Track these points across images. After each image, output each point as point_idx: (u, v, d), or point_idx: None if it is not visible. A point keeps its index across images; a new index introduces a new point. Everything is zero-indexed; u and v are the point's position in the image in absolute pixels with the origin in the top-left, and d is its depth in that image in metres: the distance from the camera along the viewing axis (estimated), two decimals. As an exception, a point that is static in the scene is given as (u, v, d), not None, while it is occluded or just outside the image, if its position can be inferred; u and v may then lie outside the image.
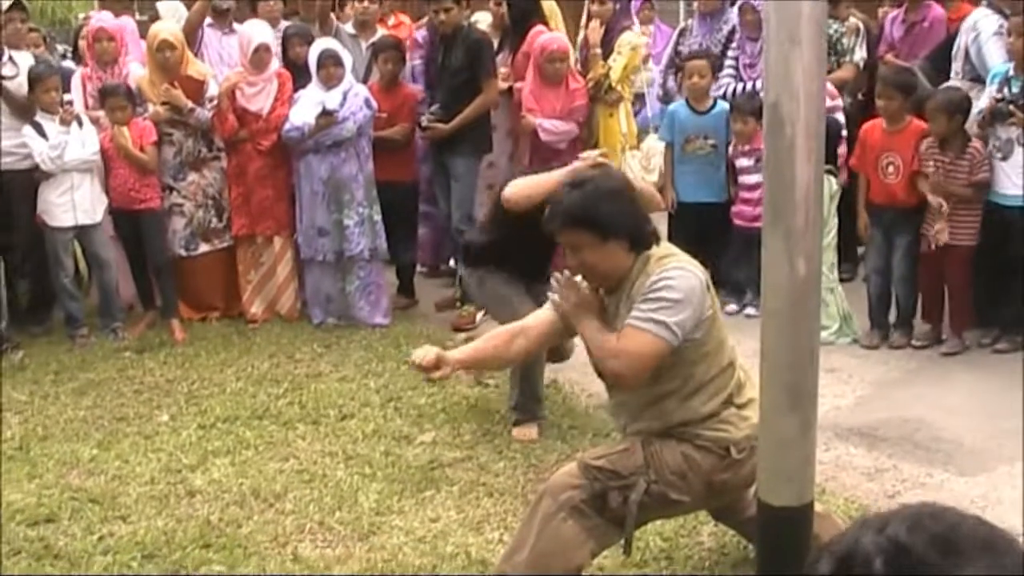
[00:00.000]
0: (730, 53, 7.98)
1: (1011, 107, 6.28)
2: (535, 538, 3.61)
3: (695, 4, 8.79)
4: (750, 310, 7.07)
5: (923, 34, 7.88)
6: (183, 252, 7.73)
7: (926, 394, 5.93)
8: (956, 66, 7.00)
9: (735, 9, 8.36)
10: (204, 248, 7.77)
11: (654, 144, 7.97)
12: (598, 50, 7.85)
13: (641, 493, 3.56)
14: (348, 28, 8.43)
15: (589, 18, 8.04)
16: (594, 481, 3.60)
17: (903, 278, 6.72)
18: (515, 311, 4.98)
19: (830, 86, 7.04)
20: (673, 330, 3.45)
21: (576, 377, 6.37)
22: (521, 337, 3.97)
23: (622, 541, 3.70)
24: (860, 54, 7.91)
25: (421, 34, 8.27)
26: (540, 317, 3.97)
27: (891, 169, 6.67)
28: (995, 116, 6.38)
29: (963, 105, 6.47)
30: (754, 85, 7.56)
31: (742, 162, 7.25)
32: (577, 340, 4.22)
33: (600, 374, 3.75)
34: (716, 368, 3.60)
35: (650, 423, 3.66)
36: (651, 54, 9.52)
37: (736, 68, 7.88)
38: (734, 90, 7.75)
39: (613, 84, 7.84)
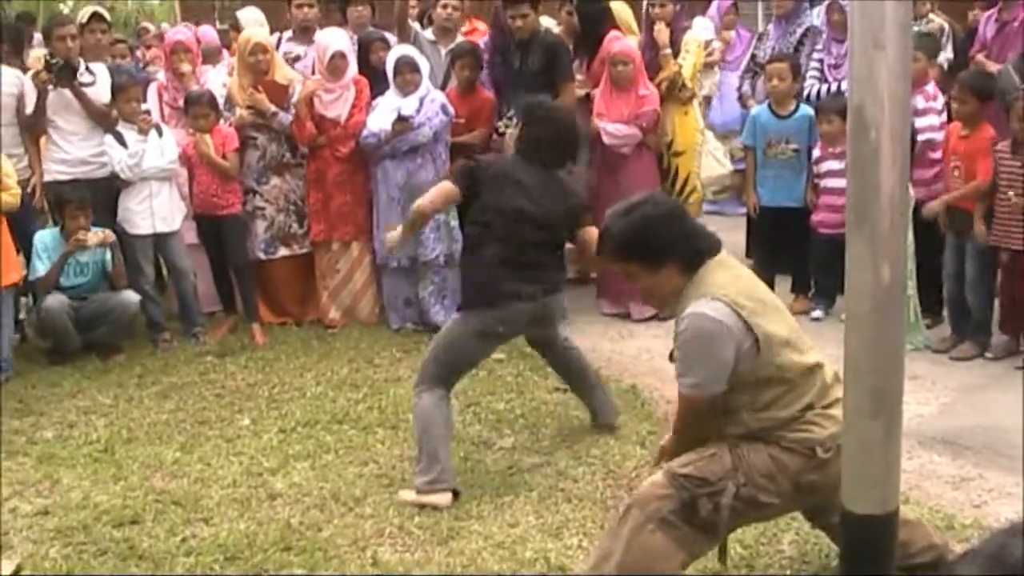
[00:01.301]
0: (815, 55, 7.96)
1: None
2: (624, 551, 3.60)
3: (772, 8, 8.74)
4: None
5: (1013, 34, 7.75)
6: (262, 255, 7.83)
7: (1011, 402, 5.81)
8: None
9: (812, 12, 8.33)
10: (283, 252, 7.87)
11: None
12: (668, 50, 7.85)
13: (732, 497, 3.53)
14: (428, 34, 8.47)
15: (651, 22, 8.02)
16: (682, 490, 3.58)
17: (974, 284, 6.59)
18: None
19: (930, 88, 6.98)
20: (701, 385, 3.54)
21: (654, 383, 6.37)
22: None
23: (717, 549, 3.68)
24: (945, 55, 7.80)
25: (483, 41, 8.28)
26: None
27: (956, 173, 6.58)
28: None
29: None
30: (839, 86, 7.50)
31: (831, 164, 7.16)
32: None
33: None
34: (788, 383, 3.55)
35: (731, 429, 3.64)
36: (722, 59, 9.52)
37: (821, 70, 7.82)
38: (819, 92, 7.69)
39: (686, 82, 7.84)
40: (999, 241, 6.39)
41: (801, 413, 3.55)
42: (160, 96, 8.00)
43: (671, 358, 3.72)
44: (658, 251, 3.61)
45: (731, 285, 3.55)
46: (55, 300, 7.04)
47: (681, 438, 3.80)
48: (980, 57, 7.77)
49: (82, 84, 7.42)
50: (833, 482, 3.51)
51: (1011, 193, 6.26)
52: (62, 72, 7.29)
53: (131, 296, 7.28)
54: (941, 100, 7.09)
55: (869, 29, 2.68)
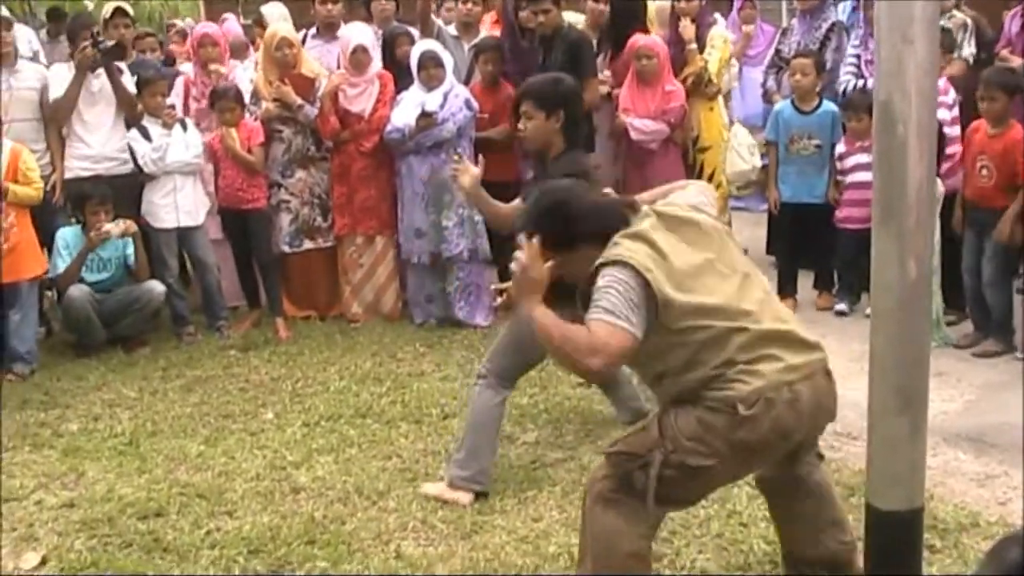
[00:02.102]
0: (851, 50, 7.89)
1: None
2: (588, 538, 3.64)
3: (796, 3, 8.70)
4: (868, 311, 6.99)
5: (1039, 31, 7.69)
6: (287, 248, 7.86)
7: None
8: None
9: (838, 8, 8.29)
10: (308, 245, 7.90)
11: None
12: (693, 45, 7.85)
13: (659, 465, 3.45)
14: (451, 29, 8.48)
15: (677, 17, 7.99)
16: (616, 467, 3.58)
17: (992, 282, 6.57)
18: None
19: (941, 82, 6.95)
20: (621, 323, 3.33)
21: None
22: None
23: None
24: (968, 50, 7.73)
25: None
26: None
27: (984, 172, 6.52)
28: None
29: None
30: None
31: (858, 158, 7.13)
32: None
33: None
34: (698, 344, 3.42)
35: (662, 395, 3.63)
36: (743, 53, 9.49)
37: (857, 65, 7.77)
38: (854, 87, 7.65)
39: (712, 78, 7.82)
40: None
41: (720, 371, 3.42)
42: (187, 91, 8.03)
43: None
44: (564, 235, 3.59)
45: (640, 250, 3.44)
46: (78, 291, 7.07)
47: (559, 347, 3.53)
48: (1005, 52, 7.70)
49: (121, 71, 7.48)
50: (770, 440, 3.43)
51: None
52: (111, 52, 7.32)
53: (156, 285, 7.31)
54: (952, 95, 7.07)
55: (898, 24, 2.67)
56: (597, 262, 3.45)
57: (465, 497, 4.83)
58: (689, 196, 3.85)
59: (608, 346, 3.31)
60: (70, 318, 7.20)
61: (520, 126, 5.24)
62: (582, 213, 3.62)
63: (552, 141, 5.12)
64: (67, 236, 7.19)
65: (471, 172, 5.42)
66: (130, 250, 7.32)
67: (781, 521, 3.97)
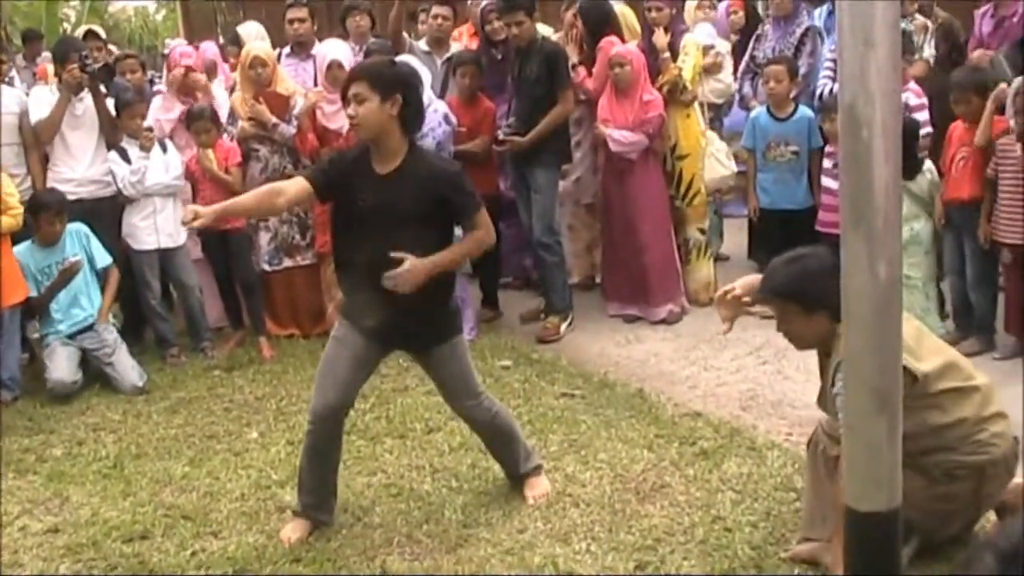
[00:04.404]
0: (828, 54, 7.93)
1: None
2: None
3: (771, 8, 8.72)
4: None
5: (1012, 29, 7.71)
6: (267, 267, 7.88)
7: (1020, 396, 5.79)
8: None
9: (815, 13, 8.33)
10: (288, 263, 7.91)
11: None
12: (667, 54, 7.86)
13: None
14: (422, 45, 8.51)
15: (651, 27, 8.02)
16: None
17: (976, 283, 6.59)
18: None
19: (915, 85, 7.03)
20: None
21: (662, 386, 6.38)
22: (281, 196, 4.66)
23: None
24: (929, 51, 7.83)
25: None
26: (300, 183, 4.63)
27: (962, 164, 6.55)
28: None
29: None
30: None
31: (828, 164, 7.17)
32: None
33: None
34: (948, 400, 3.94)
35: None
36: (721, 62, 9.53)
37: (835, 69, 7.80)
38: (831, 90, 7.69)
39: (687, 84, 7.84)
40: (1001, 238, 6.37)
41: (970, 430, 3.93)
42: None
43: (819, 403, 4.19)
44: (815, 298, 3.94)
45: None
46: (63, 372, 6.92)
47: None
48: (977, 53, 7.75)
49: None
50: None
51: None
52: (99, 73, 7.33)
53: (135, 381, 7.04)
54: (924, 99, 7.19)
55: (860, 27, 2.68)
56: (836, 360, 3.80)
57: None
58: None
59: None
60: (54, 396, 6.93)
61: (350, 112, 4.51)
62: (828, 284, 3.74)
63: (388, 130, 4.49)
64: (21, 255, 7.06)
65: (408, 265, 4.49)
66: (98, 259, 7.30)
67: None
